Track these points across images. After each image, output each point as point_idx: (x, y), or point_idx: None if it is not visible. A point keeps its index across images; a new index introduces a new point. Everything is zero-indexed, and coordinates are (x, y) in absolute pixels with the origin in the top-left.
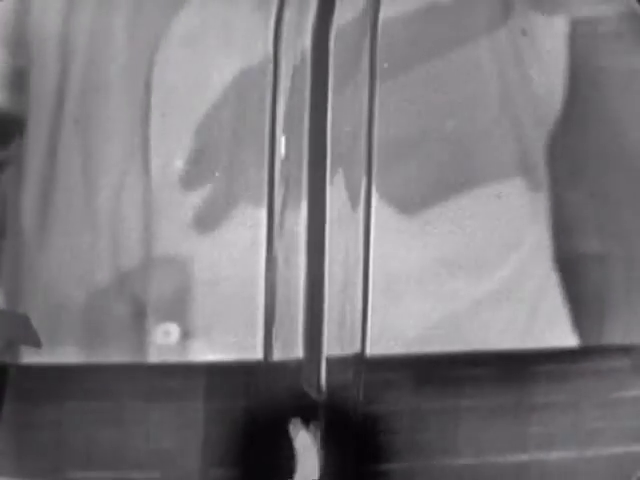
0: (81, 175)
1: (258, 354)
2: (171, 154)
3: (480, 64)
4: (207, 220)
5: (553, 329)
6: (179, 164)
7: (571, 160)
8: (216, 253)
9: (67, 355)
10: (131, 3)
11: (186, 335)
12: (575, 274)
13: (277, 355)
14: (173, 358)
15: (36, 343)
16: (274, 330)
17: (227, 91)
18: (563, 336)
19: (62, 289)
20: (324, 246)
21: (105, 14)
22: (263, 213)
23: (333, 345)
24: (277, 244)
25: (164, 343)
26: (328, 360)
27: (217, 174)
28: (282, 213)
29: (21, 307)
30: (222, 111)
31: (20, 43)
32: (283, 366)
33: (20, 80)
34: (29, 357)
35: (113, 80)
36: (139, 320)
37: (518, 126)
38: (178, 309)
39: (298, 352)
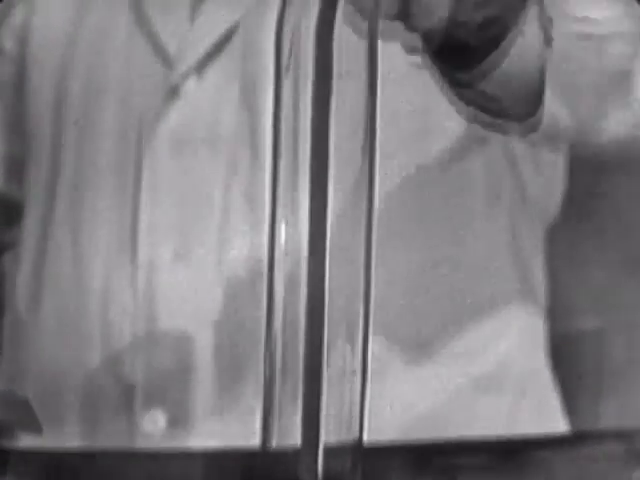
0: (71, 260)
1: (256, 441)
2: (159, 244)
3: (473, 178)
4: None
5: (542, 415)
6: (167, 255)
7: (569, 241)
8: (213, 337)
9: (64, 439)
10: (119, 102)
11: (182, 421)
12: (570, 353)
13: (275, 442)
14: (165, 445)
15: (37, 429)
16: (272, 417)
17: (214, 197)
18: (553, 422)
19: (56, 371)
20: (322, 337)
21: (94, 113)
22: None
23: (331, 432)
24: (276, 332)
25: (151, 430)
26: (326, 448)
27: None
28: (283, 310)
29: (20, 389)
30: (209, 218)
31: (17, 131)
32: (281, 454)
33: (19, 168)
34: (28, 441)
35: (104, 172)
36: (129, 405)
37: (512, 222)
38: (172, 394)
39: (296, 439)
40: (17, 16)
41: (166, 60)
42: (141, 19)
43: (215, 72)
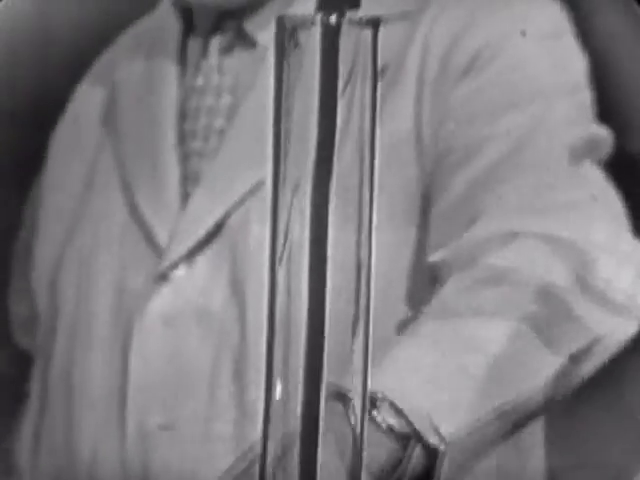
0: (63, 425)
1: None
2: (146, 415)
3: None
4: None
5: None
6: (154, 424)
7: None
8: None
9: None
10: (112, 279)
11: None
12: None
13: None
14: None
15: None
16: None
17: (202, 369)
18: None
19: None
20: (316, 463)
21: (89, 289)
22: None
23: None
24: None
25: None
26: None
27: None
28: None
29: None
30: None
31: (27, 296)
32: None
33: (31, 326)
34: None
35: (95, 342)
36: None
37: None
38: None
39: None
40: (35, 188)
41: (156, 250)
42: (133, 209)
43: (204, 261)
